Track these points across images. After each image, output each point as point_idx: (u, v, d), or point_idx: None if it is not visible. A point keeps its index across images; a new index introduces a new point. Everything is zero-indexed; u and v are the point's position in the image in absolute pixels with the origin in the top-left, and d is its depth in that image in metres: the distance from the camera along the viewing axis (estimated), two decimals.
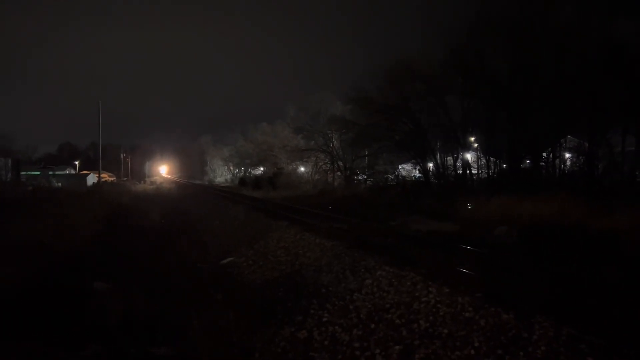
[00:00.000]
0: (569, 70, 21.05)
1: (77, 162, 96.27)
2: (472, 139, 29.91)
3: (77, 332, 7.69)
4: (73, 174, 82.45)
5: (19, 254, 12.79)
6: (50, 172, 70.22)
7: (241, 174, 73.80)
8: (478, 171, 29.54)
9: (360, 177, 41.37)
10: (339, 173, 42.53)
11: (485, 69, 24.73)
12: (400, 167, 38.25)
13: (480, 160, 29.68)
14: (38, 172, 68.11)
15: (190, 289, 10.22)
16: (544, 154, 24.25)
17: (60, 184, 50.67)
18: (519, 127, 23.07)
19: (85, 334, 7.66)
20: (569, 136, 24.47)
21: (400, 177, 34.68)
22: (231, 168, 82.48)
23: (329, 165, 43.77)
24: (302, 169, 53.20)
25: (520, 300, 6.83)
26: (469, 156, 28.59)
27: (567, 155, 24.58)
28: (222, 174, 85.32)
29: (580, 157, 23.08)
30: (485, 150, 28.68)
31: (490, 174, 27.25)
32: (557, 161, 23.98)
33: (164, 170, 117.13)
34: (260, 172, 66.61)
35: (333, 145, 42.91)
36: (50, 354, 6.46)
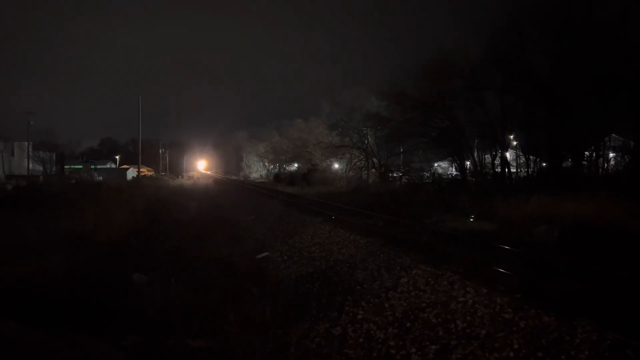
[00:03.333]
0: (613, 65, 20.25)
1: (117, 157, 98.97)
2: (511, 136, 29.20)
3: (117, 323, 7.91)
4: (114, 168, 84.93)
5: (64, 245, 13.27)
6: (92, 166, 72.56)
7: (276, 170, 74.42)
8: (517, 170, 28.86)
9: (395, 175, 41.05)
10: (373, 170, 42.29)
11: (525, 64, 24.08)
12: (436, 164, 37.79)
13: (520, 158, 28.97)
14: (81, 166, 70.49)
15: (226, 282, 10.36)
16: (587, 153, 23.50)
17: (101, 178, 52.32)
18: (560, 124, 22.38)
19: (125, 324, 7.87)
20: (613, 135, 23.62)
21: (436, 175, 34.23)
22: (266, 164, 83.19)
23: (363, 162, 43.52)
24: (336, 165, 53.18)
25: (561, 302, 6.63)
26: (507, 154, 27.93)
27: (612, 154, 23.74)
28: (257, 169, 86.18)
29: (626, 157, 22.27)
30: (524, 148, 27.99)
31: (530, 172, 26.60)
32: (601, 160, 23.20)
33: (202, 165, 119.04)
34: (294, 168, 67.02)
35: (368, 141, 42.65)
36: (92, 344, 6.66)
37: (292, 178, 53.42)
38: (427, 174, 35.21)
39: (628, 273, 8.74)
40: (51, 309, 8.20)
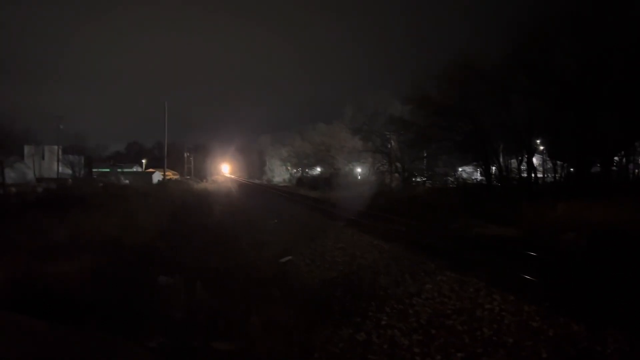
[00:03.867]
0: None
1: (143, 160, 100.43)
2: (538, 141, 28.70)
3: (143, 324, 8.00)
4: (140, 172, 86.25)
5: (91, 246, 13.50)
6: (119, 170, 73.88)
7: (298, 174, 74.60)
8: (544, 175, 28.37)
9: (418, 179, 40.78)
10: (396, 174, 42.07)
11: (552, 67, 23.69)
12: (460, 169, 37.40)
13: (546, 163, 28.49)
14: (108, 169, 71.91)
15: (249, 285, 10.39)
16: (616, 158, 22.98)
17: (128, 181, 53.21)
18: (588, 129, 21.92)
19: (150, 326, 7.95)
20: None
21: (460, 180, 33.87)
22: (289, 168, 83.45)
23: (386, 167, 43.37)
24: (359, 170, 53.10)
25: (591, 312, 6.49)
26: (534, 159, 27.47)
27: None
28: (280, 174, 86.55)
29: None
30: (551, 153, 27.53)
31: (557, 178, 26.12)
32: (631, 166, 22.67)
33: (226, 169, 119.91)
34: (317, 172, 67.08)
35: (391, 146, 42.47)
36: (120, 343, 6.75)
37: (314, 182, 53.57)
38: (451, 179, 34.89)
39: None
40: (79, 308, 8.34)
